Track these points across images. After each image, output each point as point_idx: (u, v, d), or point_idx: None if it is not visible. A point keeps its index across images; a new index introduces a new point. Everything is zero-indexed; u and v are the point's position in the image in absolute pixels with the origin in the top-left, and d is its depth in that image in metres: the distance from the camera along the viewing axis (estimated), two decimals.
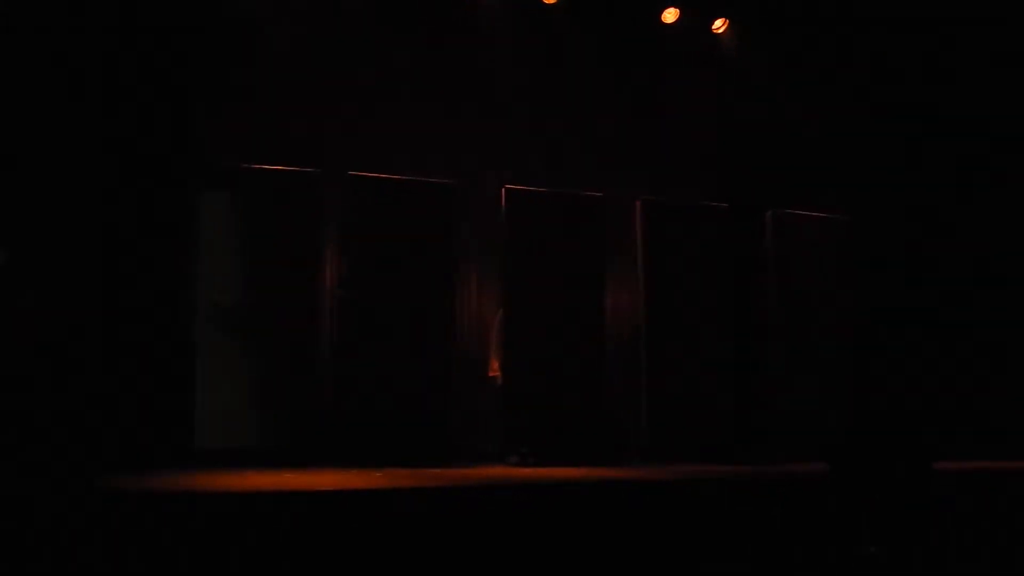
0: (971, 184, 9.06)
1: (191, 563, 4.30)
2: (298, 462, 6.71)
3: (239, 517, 4.52)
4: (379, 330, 7.50)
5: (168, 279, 6.87)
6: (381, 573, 4.62)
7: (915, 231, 9.01)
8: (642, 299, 8.31)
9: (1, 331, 6.10)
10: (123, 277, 6.68)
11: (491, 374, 7.82)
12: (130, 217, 6.76)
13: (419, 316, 7.59)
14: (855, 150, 8.96)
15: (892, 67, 8.96)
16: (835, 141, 8.93)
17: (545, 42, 8.19)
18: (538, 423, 7.76)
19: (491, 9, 8.07)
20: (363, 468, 6.59)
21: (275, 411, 7.18)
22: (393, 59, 7.78)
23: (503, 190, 7.95)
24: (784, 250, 8.72)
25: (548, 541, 4.98)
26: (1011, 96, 8.91)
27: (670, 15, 8.49)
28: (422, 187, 7.74)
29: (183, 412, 6.78)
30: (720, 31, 8.68)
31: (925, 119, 9.02)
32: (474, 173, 7.99)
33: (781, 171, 8.76)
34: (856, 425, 8.47)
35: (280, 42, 7.41)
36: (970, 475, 6.64)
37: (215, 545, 4.37)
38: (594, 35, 8.30)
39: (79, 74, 6.67)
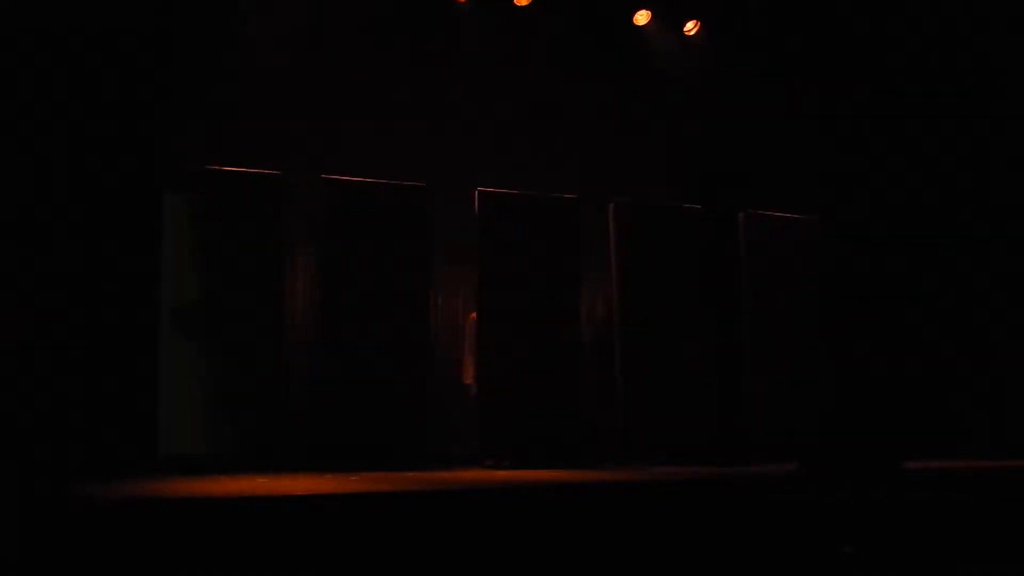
0: (942, 186, 9.17)
1: (164, 573, 4.24)
2: (270, 468, 6.64)
3: (212, 524, 4.46)
4: (353, 334, 7.46)
5: (133, 283, 6.79)
6: None
7: (884, 232, 9.11)
8: (616, 301, 8.33)
9: None
10: (88, 281, 6.59)
11: (466, 382, 7.80)
12: (95, 220, 6.68)
13: (393, 319, 7.55)
14: (826, 152, 9.05)
15: (863, 68, 9.06)
16: (807, 143, 9.01)
17: (517, 46, 8.19)
18: (514, 426, 7.74)
19: (463, 13, 8.06)
20: (337, 473, 6.53)
21: (245, 416, 7.09)
22: (367, 64, 7.75)
23: (476, 193, 7.94)
24: (757, 251, 8.78)
25: (524, 545, 4.96)
26: (984, 98, 9.06)
27: (642, 17, 8.53)
28: (395, 190, 7.72)
29: (148, 417, 6.70)
30: (692, 33, 8.73)
31: (895, 121, 9.14)
32: (446, 176, 7.96)
33: (753, 173, 8.82)
34: (828, 425, 8.54)
35: (252, 49, 7.36)
36: (940, 474, 6.71)
37: (187, 554, 4.31)
38: (567, 39, 8.32)
39: (45, 76, 6.59)
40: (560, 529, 5.10)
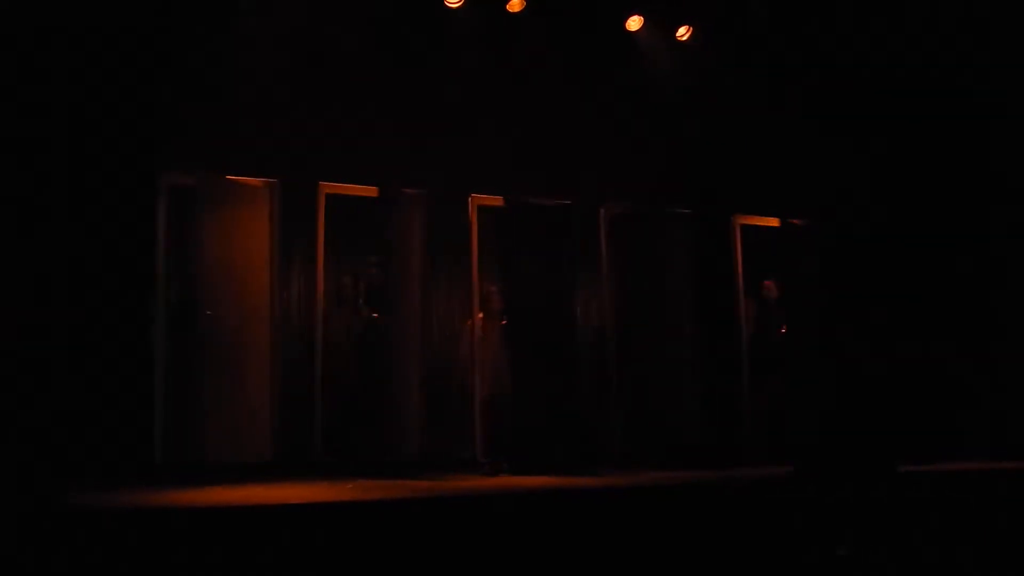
0: (942, 186, 9.16)
1: None
2: (266, 475, 6.65)
3: (207, 534, 4.48)
4: (351, 337, 7.47)
5: (130, 285, 6.81)
6: None
7: (884, 233, 9.09)
8: (612, 305, 8.33)
9: None
10: (85, 283, 6.59)
11: (463, 386, 7.81)
12: (93, 221, 6.69)
13: (390, 326, 7.56)
14: (824, 153, 9.03)
15: (857, 74, 9.04)
16: (803, 145, 8.99)
17: (510, 54, 8.18)
18: (510, 432, 7.74)
19: (457, 22, 8.06)
20: (332, 481, 6.55)
21: (241, 423, 7.10)
22: (361, 73, 7.75)
23: (470, 200, 7.95)
24: (753, 253, 8.77)
25: (521, 551, 4.97)
26: (984, 99, 9.04)
27: (634, 23, 8.52)
28: (392, 198, 7.72)
29: (145, 424, 6.72)
30: (684, 39, 8.71)
31: (895, 121, 9.12)
32: (443, 180, 7.95)
33: (749, 175, 8.80)
34: (827, 426, 8.53)
35: (252, 49, 7.37)
36: (938, 475, 6.71)
37: (182, 562, 4.34)
38: (559, 45, 8.29)
39: (44, 76, 6.59)
40: (559, 534, 5.11)
